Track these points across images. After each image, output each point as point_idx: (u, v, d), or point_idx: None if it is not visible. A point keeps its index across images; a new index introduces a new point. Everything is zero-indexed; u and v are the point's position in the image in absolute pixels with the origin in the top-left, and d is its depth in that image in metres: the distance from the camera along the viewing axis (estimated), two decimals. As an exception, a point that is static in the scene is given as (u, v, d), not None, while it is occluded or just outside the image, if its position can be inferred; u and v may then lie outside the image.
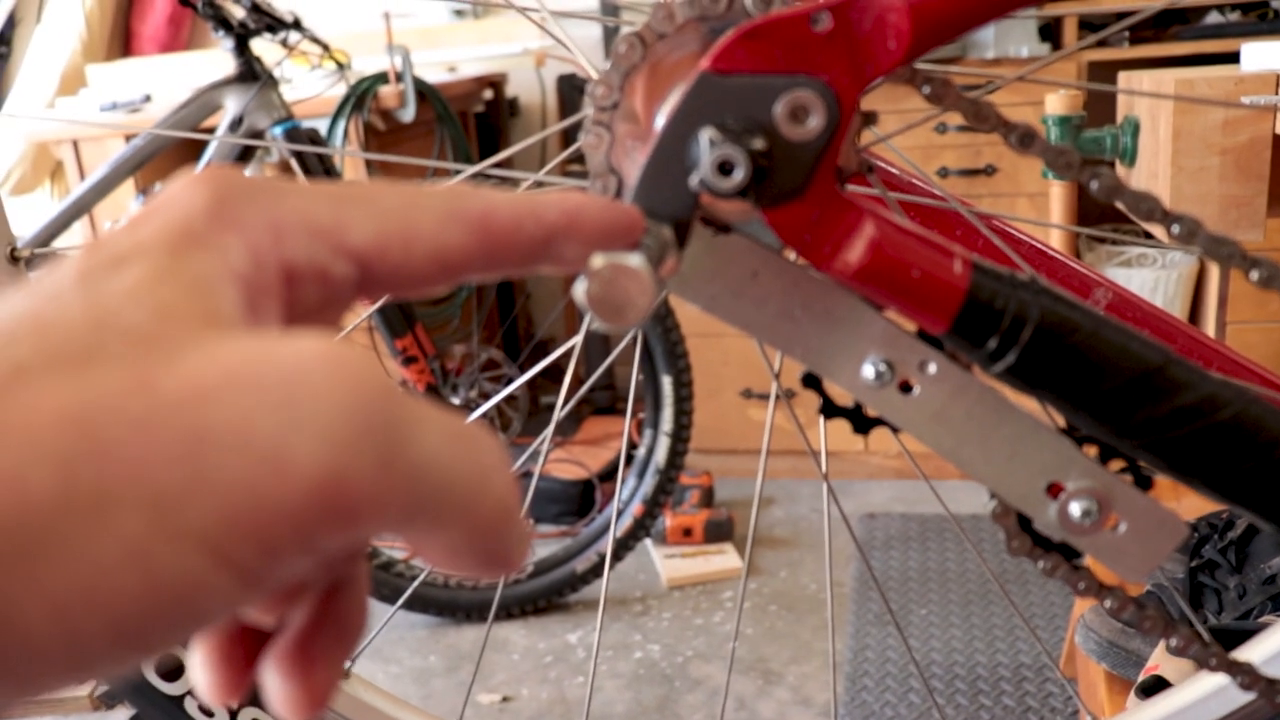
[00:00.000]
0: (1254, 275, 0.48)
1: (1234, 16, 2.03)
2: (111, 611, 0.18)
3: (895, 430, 0.50)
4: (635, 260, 0.37)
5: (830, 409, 0.52)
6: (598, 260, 0.38)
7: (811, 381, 0.50)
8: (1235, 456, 0.47)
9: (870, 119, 0.47)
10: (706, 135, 0.41)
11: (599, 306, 0.37)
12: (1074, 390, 0.46)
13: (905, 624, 1.98)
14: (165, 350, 0.20)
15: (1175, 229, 0.48)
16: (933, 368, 0.47)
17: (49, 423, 0.18)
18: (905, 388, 0.48)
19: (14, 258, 0.61)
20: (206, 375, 0.19)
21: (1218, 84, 1.19)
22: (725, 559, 2.24)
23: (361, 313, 2.21)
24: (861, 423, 0.51)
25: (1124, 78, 1.46)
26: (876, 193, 0.55)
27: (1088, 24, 2.18)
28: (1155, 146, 1.30)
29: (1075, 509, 0.48)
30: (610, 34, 2.70)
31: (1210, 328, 2.01)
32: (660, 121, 0.44)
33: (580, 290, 0.38)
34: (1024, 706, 1.73)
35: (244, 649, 0.26)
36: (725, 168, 0.40)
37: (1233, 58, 1.27)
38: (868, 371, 0.47)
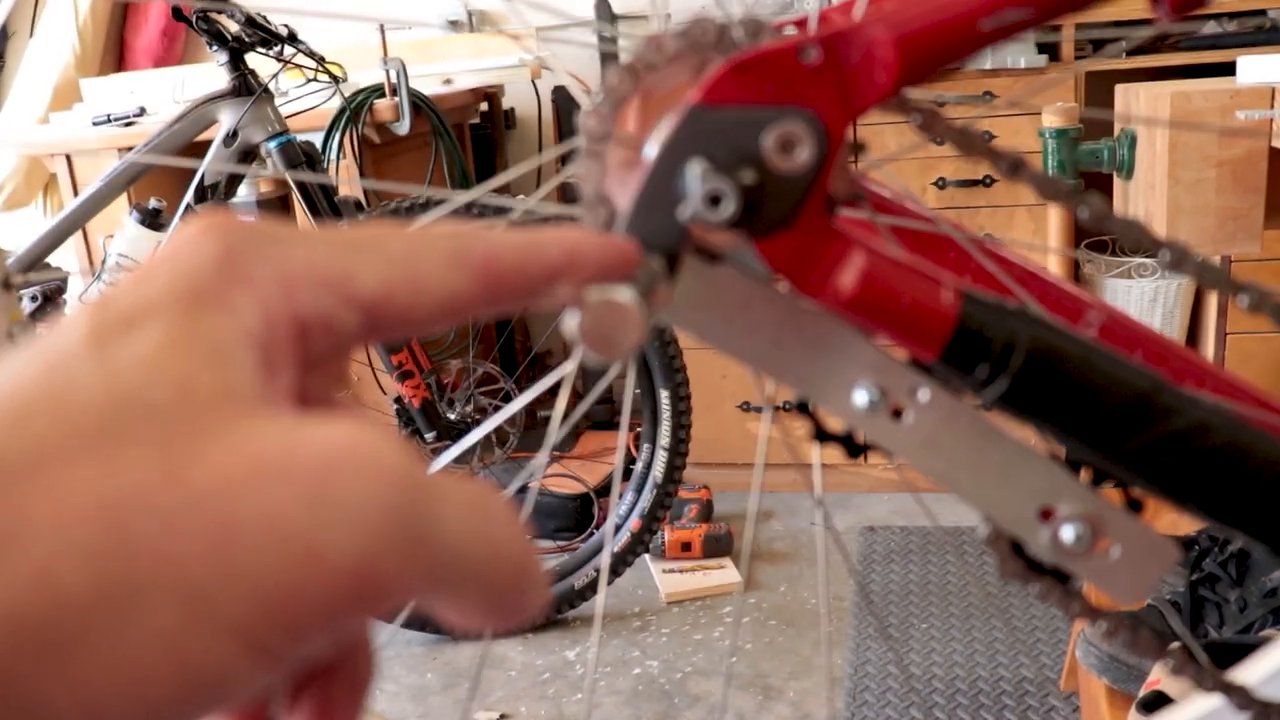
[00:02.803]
0: (1242, 300, 0.48)
1: (1231, 27, 2.03)
2: (141, 702, 0.18)
3: (887, 456, 0.50)
4: (625, 294, 0.38)
5: (822, 435, 0.52)
6: (588, 294, 0.38)
7: (803, 408, 0.51)
8: (1226, 480, 0.47)
9: (860, 148, 0.47)
10: (696, 168, 0.41)
11: (589, 340, 0.38)
12: (1065, 417, 0.46)
13: (906, 638, 1.97)
14: (190, 435, 0.20)
15: (1165, 256, 0.48)
16: (924, 394, 0.47)
17: (78, 515, 0.18)
18: (896, 414, 0.48)
19: (7, 285, 0.61)
20: (235, 465, 0.19)
21: (1213, 97, 1.19)
22: (724, 574, 2.24)
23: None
24: (853, 449, 0.51)
25: (1121, 90, 1.46)
26: (867, 217, 0.55)
27: (1085, 33, 2.19)
28: (1152, 159, 1.30)
29: (1067, 534, 0.48)
30: (606, 45, 2.70)
31: (1210, 338, 2.02)
32: (651, 152, 0.44)
33: (570, 324, 0.38)
34: (1023, 720, 1.72)
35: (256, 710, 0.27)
36: (715, 200, 0.40)
37: (1230, 68, 1.27)
38: (859, 398, 0.47)
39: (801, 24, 0.59)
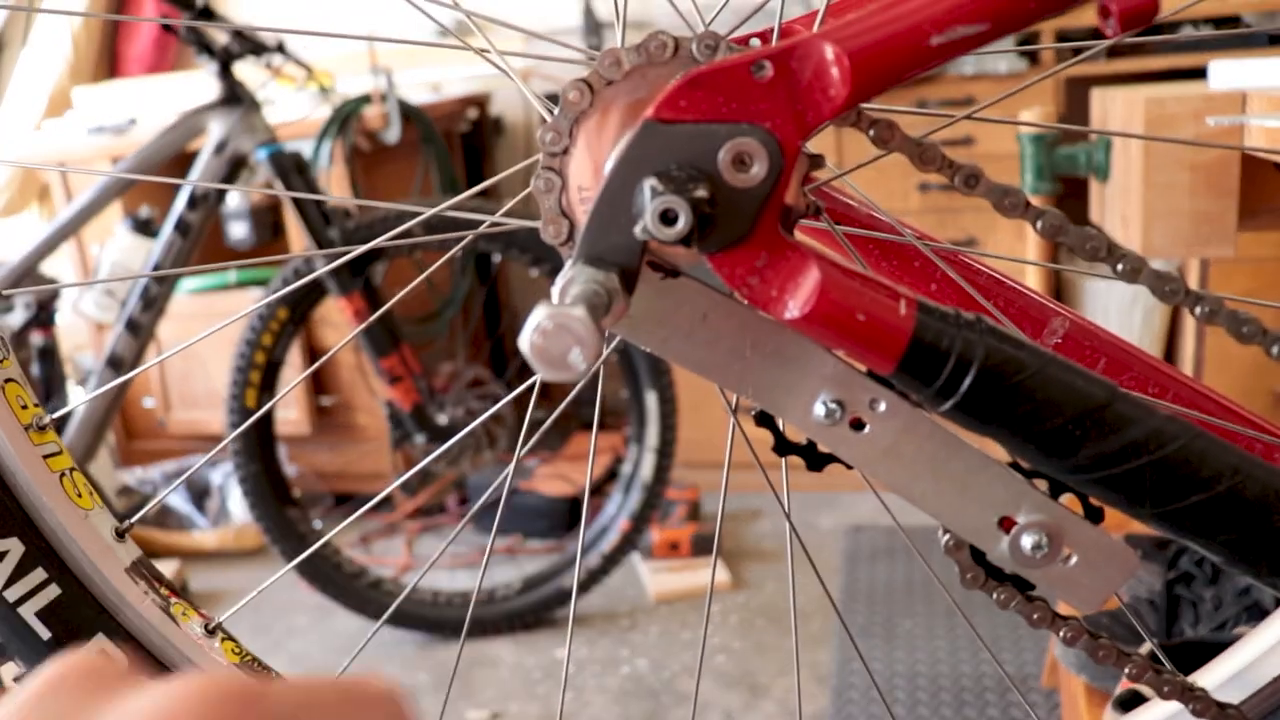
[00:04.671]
0: (1199, 310, 0.49)
1: (1207, 30, 2.05)
2: None
3: (848, 466, 0.50)
4: (578, 313, 0.38)
5: (784, 446, 0.52)
6: (540, 313, 0.38)
7: (765, 420, 0.51)
8: (1181, 489, 0.47)
9: (816, 161, 0.48)
10: (649, 184, 0.42)
11: (542, 359, 0.38)
12: (1021, 427, 0.46)
13: (891, 636, 1.98)
14: None
15: (1120, 267, 0.48)
16: (883, 406, 0.48)
17: None
18: (857, 425, 0.48)
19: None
20: None
21: (1186, 102, 1.20)
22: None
23: (346, 334, 2.20)
24: (815, 460, 0.52)
25: (1098, 95, 1.47)
26: (825, 227, 0.56)
27: (1064, 36, 2.20)
28: (1127, 163, 1.31)
29: (1027, 542, 0.49)
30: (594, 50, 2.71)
31: (1190, 337, 2.03)
32: (608, 168, 0.45)
33: (524, 343, 0.38)
34: (1008, 718, 1.73)
35: None
36: (668, 217, 0.41)
37: (1206, 72, 1.28)
38: (819, 410, 0.48)
39: (766, 36, 0.60)
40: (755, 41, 0.60)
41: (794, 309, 0.44)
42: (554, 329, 0.38)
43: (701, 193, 0.42)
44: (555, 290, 0.42)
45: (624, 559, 2.07)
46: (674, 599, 2.19)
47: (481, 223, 0.61)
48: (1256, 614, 1.26)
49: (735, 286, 0.44)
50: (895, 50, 0.42)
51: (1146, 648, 0.95)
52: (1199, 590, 1.30)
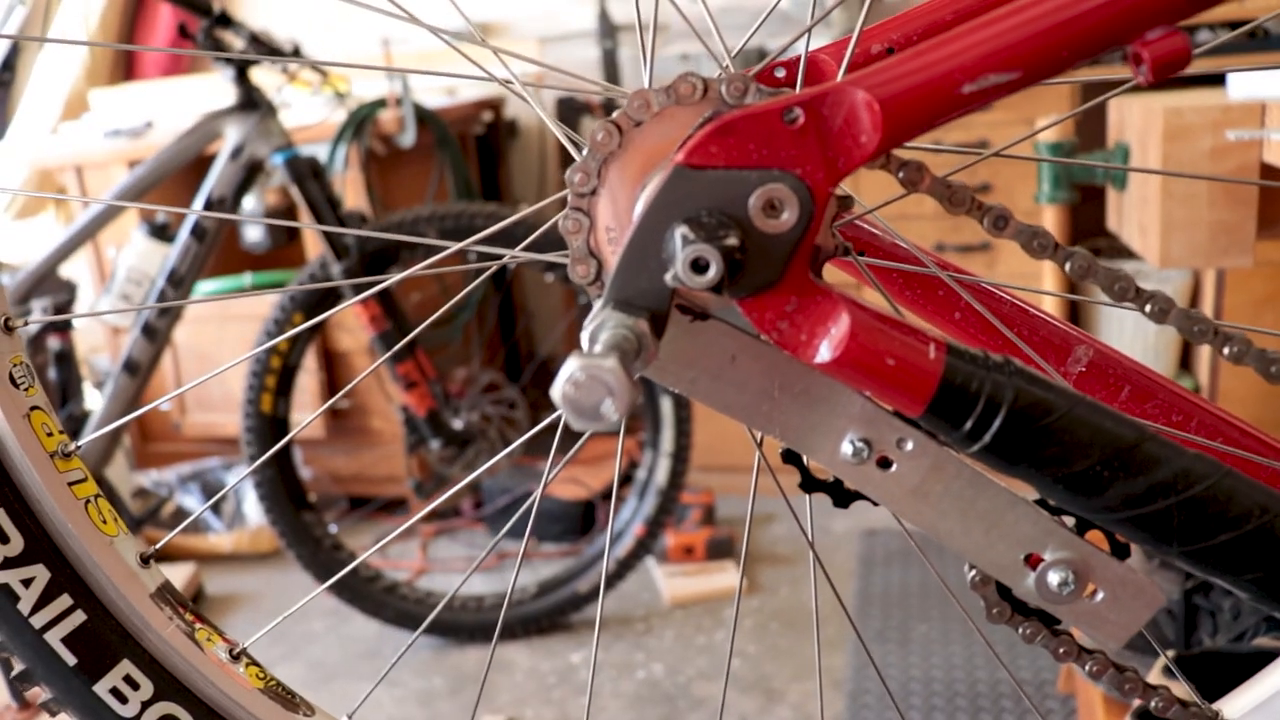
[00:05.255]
0: (1227, 351, 0.49)
1: (1224, 34, 2.04)
2: None
3: (874, 504, 0.51)
4: (609, 364, 0.38)
5: (810, 484, 0.52)
6: (572, 364, 0.39)
7: (791, 457, 0.51)
8: (1210, 529, 0.47)
9: (845, 202, 0.48)
10: (680, 232, 0.42)
11: (575, 410, 0.38)
12: (1049, 468, 0.46)
13: (906, 641, 1.98)
14: None
15: (1149, 308, 0.48)
16: (910, 445, 0.48)
17: None
18: (884, 463, 0.49)
19: (8, 328, 0.62)
20: None
21: (1205, 113, 1.19)
22: (727, 577, 2.25)
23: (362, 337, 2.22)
24: (841, 497, 0.52)
25: (1115, 103, 1.46)
26: (855, 262, 0.56)
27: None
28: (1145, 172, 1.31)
29: (1053, 579, 0.49)
30: (608, 55, 2.71)
31: (1206, 355, 2.01)
32: (638, 211, 0.45)
33: (556, 394, 0.39)
34: (1025, 725, 1.73)
35: None
36: (699, 265, 0.41)
37: (1223, 77, 1.27)
38: (846, 449, 0.48)
39: (792, 66, 0.60)
40: (780, 72, 0.60)
41: (824, 353, 0.44)
42: (586, 380, 0.38)
43: (732, 240, 0.42)
44: (585, 335, 0.42)
45: (639, 564, 2.07)
46: (689, 603, 2.19)
47: (504, 254, 0.62)
48: (1275, 624, 1.26)
49: (765, 331, 0.45)
50: (927, 98, 0.42)
51: (1165, 658, 0.95)
52: (1218, 599, 1.30)
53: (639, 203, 0.46)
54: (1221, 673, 1.10)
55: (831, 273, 0.87)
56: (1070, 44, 0.41)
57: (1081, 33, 0.41)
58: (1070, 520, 0.50)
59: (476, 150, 2.92)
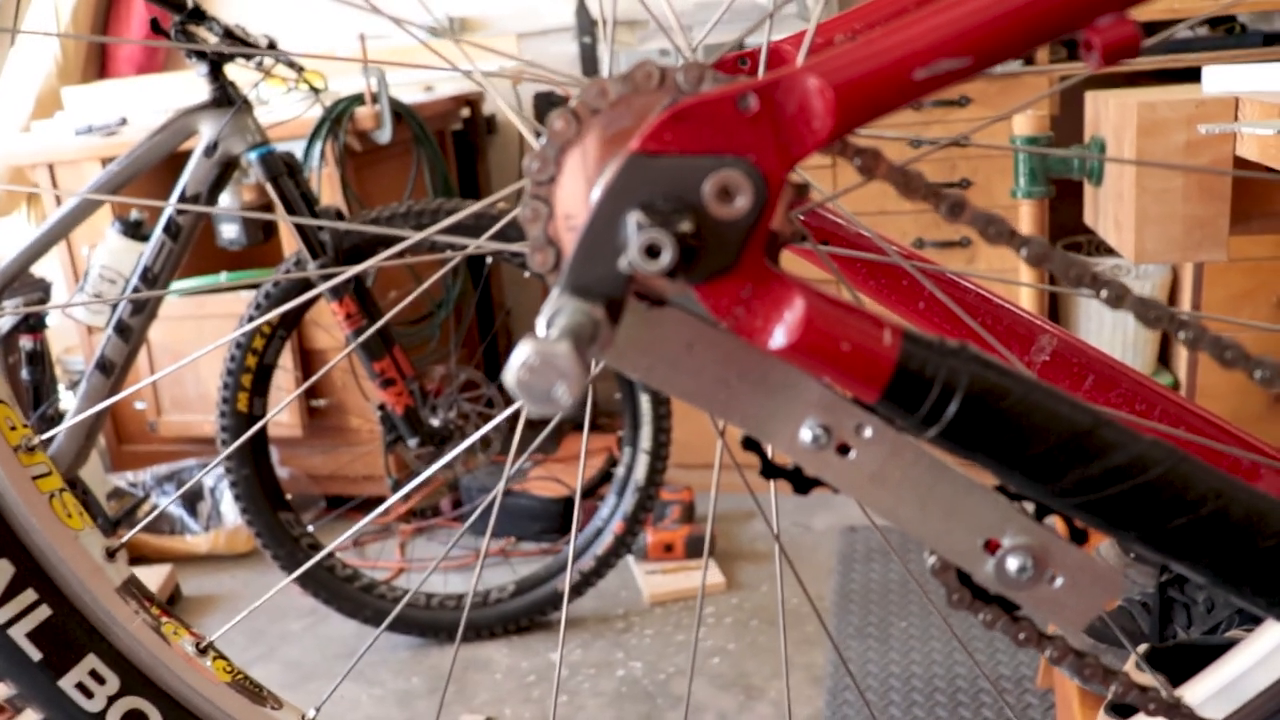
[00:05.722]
0: (1182, 336, 0.49)
1: (1202, 31, 2.05)
2: None
3: (835, 490, 0.51)
4: (562, 349, 0.38)
5: (771, 470, 0.52)
6: (525, 349, 0.39)
7: (751, 444, 0.51)
8: (1167, 514, 0.47)
9: (802, 190, 0.48)
10: (634, 218, 0.42)
11: (527, 394, 0.38)
12: (1006, 453, 0.46)
13: (886, 637, 1.99)
14: None
15: (1104, 293, 0.49)
16: (869, 431, 0.48)
17: None
18: (843, 450, 0.49)
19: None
20: None
21: (1179, 107, 1.20)
22: (707, 574, 2.25)
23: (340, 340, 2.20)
24: (801, 483, 0.52)
25: (1090, 97, 1.47)
26: (813, 250, 0.56)
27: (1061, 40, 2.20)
28: (1121, 167, 1.31)
29: (1012, 564, 0.49)
30: (586, 50, 2.70)
31: (1182, 348, 2.03)
32: (593, 197, 0.45)
33: (509, 378, 0.39)
34: (1002, 718, 1.74)
35: None
36: (653, 251, 0.41)
37: (1199, 73, 1.28)
38: (805, 435, 0.48)
39: (753, 56, 0.60)
40: (745, 64, 0.60)
41: (780, 339, 0.44)
42: (539, 365, 0.38)
43: (686, 226, 0.42)
44: (541, 322, 0.42)
45: (618, 561, 2.07)
46: (669, 601, 2.20)
47: (469, 244, 0.62)
48: (1249, 616, 1.26)
49: (721, 317, 0.45)
50: (879, 84, 0.42)
51: (1135, 655, 0.96)
52: (1192, 592, 1.31)
53: (594, 190, 0.46)
54: (1195, 665, 1.11)
55: (803, 268, 0.88)
56: (1021, 30, 0.41)
57: (1032, 19, 0.41)
58: (1029, 507, 0.51)
59: (454, 146, 2.92)
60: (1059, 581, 0.50)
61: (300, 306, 2.03)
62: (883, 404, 0.46)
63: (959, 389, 0.45)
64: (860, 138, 0.49)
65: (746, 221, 0.43)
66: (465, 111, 2.92)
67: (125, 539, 0.69)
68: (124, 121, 2.56)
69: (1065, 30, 0.41)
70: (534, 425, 2.24)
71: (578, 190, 0.47)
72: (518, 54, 2.80)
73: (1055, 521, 0.51)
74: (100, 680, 0.66)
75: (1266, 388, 0.48)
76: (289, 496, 2.09)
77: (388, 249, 1.95)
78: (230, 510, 2.52)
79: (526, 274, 1.94)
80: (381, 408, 2.06)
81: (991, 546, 0.50)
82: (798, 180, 0.50)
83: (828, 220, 0.64)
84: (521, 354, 0.38)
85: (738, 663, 1.95)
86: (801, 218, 0.61)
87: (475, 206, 0.60)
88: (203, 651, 0.70)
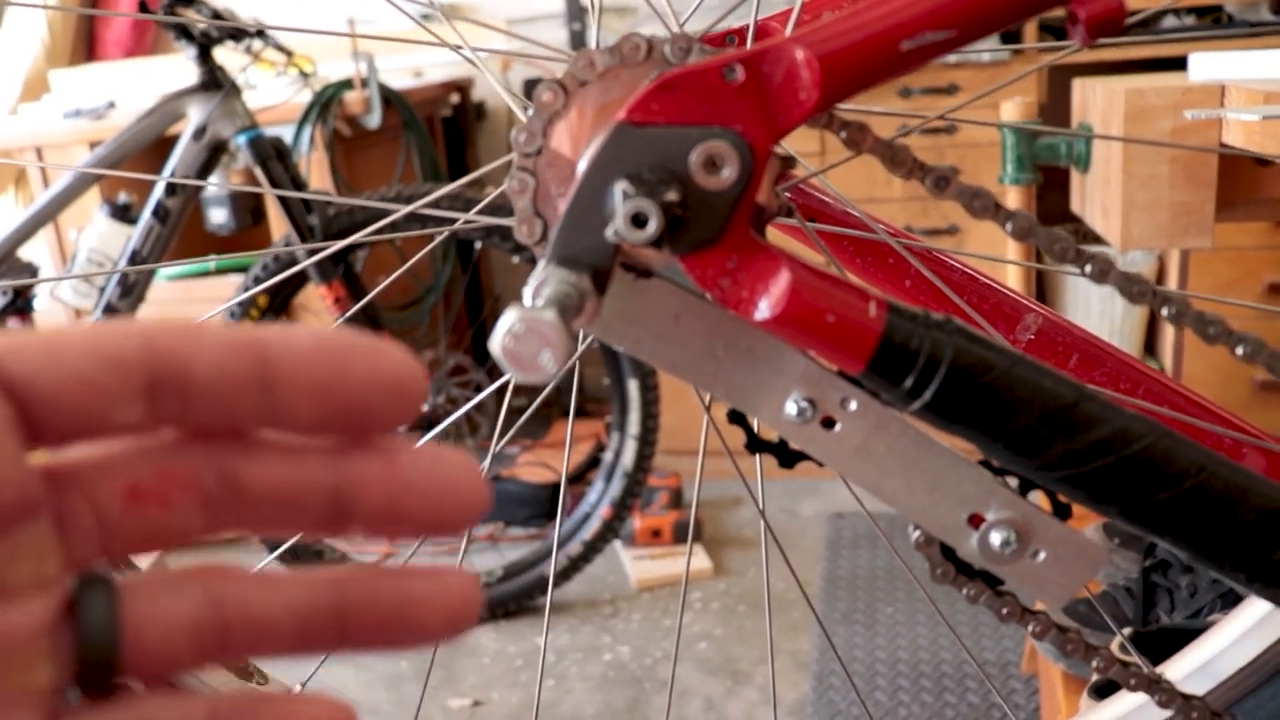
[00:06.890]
0: (1166, 311, 0.49)
1: (1189, 20, 2.06)
2: None
3: (820, 464, 0.51)
4: (548, 316, 0.38)
5: (756, 444, 0.53)
6: (511, 316, 0.39)
7: (737, 417, 0.52)
8: (1149, 488, 0.48)
9: (789, 162, 0.48)
10: (620, 187, 0.42)
11: (512, 361, 0.38)
12: (990, 426, 0.47)
13: (872, 623, 2.00)
14: None
15: (1088, 268, 0.49)
16: (854, 404, 0.48)
17: None
18: (828, 423, 0.49)
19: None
20: None
21: (1165, 94, 1.21)
22: (695, 560, 2.26)
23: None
24: (786, 457, 0.52)
25: (1078, 84, 1.48)
26: (796, 224, 0.56)
27: (1047, 27, 2.21)
28: (1108, 154, 1.32)
29: (995, 539, 0.50)
30: (576, 37, 2.70)
31: (1169, 330, 2.04)
32: (581, 169, 0.45)
33: (495, 345, 0.39)
34: (988, 704, 1.75)
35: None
36: (639, 220, 0.41)
37: (1186, 62, 1.28)
38: (790, 408, 0.48)
39: (742, 33, 0.60)
40: (734, 40, 0.60)
41: (765, 310, 0.44)
42: (525, 332, 0.38)
43: (672, 196, 0.42)
44: (527, 292, 0.42)
45: (606, 546, 2.08)
46: (656, 586, 2.20)
47: (457, 219, 0.61)
48: (1231, 600, 1.27)
49: (707, 288, 0.45)
50: (865, 55, 0.42)
51: (1121, 636, 0.97)
52: (1175, 577, 1.32)
53: (581, 161, 0.46)
54: (1178, 649, 1.12)
55: (790, 245, 0.88)
56: (1005, 2, 0.41)
57: (1018, -10, 0.41)
58: (1013, 482, 0.51)
59: (444, 132, 2.91)
60: (1042, 556, 0.50)
61: (290, 290, 2.03)
62: (867, 376, 0.46)
63: (944, 361, 0.45)
64: (846, 112, 0.49)
65: (733, 192, 0.43)
66: (454, 98, 2.92)
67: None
68: (112, 105, 2.55)
69: (1050, 3, 0.41)
70: (519, 410, 2.23)
71: (565, 162, 0.47)
72: (506, 41, 2.79)
73: (1039, 496, 0.51)
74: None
75: (1248, 363, 0.48)
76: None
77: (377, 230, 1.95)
78: (218, 495, 2.51)
79: (515, 259, 1.93)
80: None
81: (975, 521, 0.50)
82: (783, 153, 0.50)
83: (814, 197, 0.64)
84: (507, 321, 0.38)
85: (724, 648, 1.96)
86: (788, 194, 0.61)
87: (463, 180, 0.60)
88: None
